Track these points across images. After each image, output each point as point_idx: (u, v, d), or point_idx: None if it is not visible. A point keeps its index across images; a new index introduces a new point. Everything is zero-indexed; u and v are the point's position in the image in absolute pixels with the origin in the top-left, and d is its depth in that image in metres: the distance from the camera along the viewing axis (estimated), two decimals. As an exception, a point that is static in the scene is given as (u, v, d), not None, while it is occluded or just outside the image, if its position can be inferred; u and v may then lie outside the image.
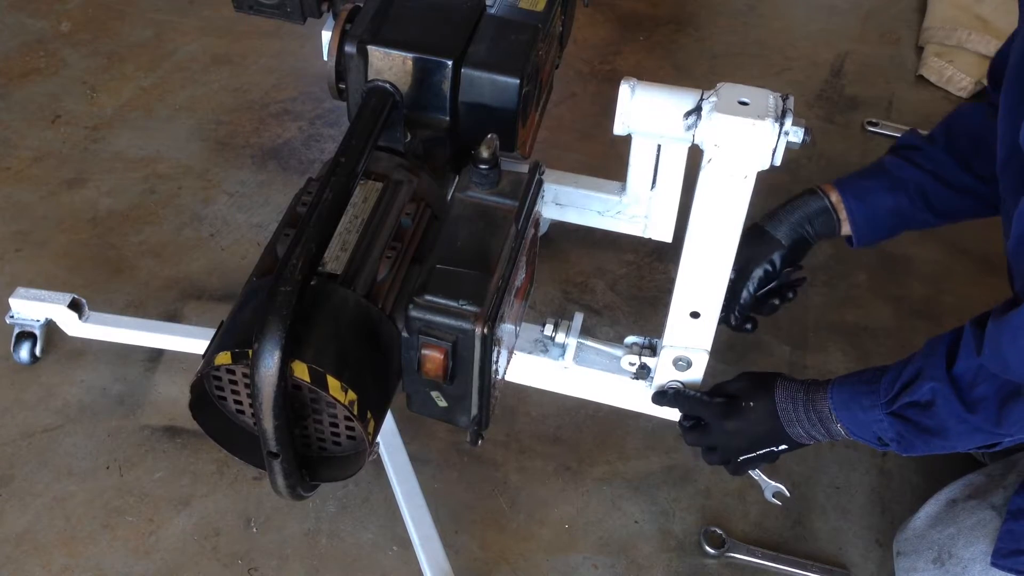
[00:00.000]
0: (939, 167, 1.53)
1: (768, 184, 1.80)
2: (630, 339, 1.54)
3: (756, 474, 1.51)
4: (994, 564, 1.38)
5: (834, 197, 1.55)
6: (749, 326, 1.59)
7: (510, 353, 1.33)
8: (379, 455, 1.64)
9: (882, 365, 1.32)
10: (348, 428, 1.14)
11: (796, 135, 1.19)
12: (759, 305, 1.58)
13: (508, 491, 1.69)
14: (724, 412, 1.42)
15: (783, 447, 1.41)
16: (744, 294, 1.54)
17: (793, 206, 1.56)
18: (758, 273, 1.54)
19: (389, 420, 1.66)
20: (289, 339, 1.00)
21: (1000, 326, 1.13)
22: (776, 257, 1.54)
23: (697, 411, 1.46)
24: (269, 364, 0.99)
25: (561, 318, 1.53)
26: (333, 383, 1.05)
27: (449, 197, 1.29)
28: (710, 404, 1.44)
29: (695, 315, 1.40)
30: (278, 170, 2.26)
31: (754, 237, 1.55)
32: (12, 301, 1.78)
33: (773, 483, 1.52)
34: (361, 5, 1.37)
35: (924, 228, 1.61)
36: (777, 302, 1.58)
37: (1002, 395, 1.17)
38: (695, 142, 1.25)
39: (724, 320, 1.57)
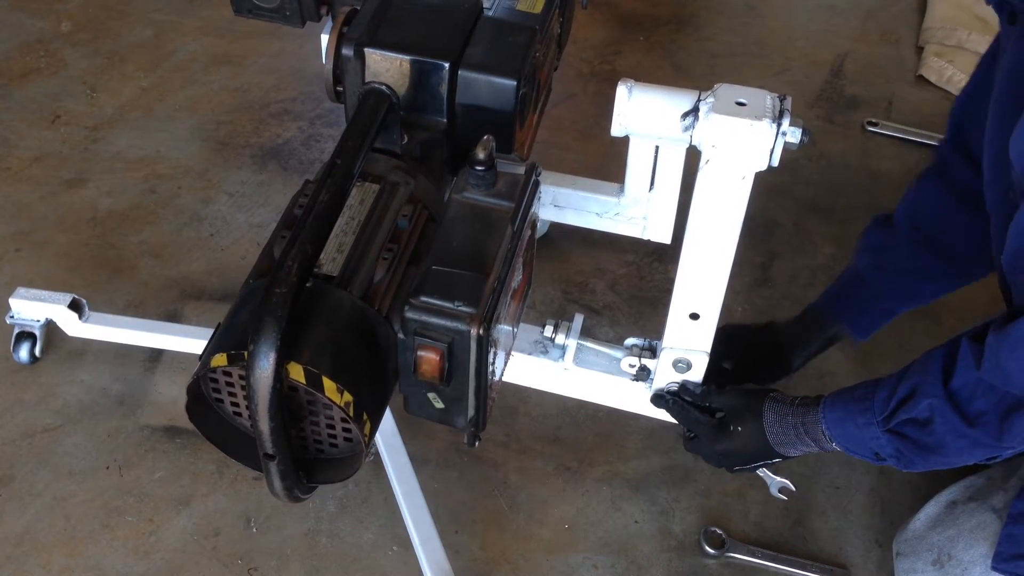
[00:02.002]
0: (914, 263, 1.55)
1: (768, 185, 1.80)
2: (630, 341, 1.54)
3: (761, 471, 1.51)
4: (994, 568, 1.37)
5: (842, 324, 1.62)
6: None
7: (508, 354, 1.32)
8: (379, 455, 1.64)
9: (873, 379, 1.31)
10: (344, 430, 1.14)
11: (794, 135, 1.18)
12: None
13: (508, 491, 1.69)
14: (714, 435, 1.43)
15: (776, 460, 1.42)
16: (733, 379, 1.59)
17: (810, 338, 1.63)
18: (758, 375, 1.61)
19: (388, 420, 1.66)
20: (284, 340, 0.99)
21: (1000, 339, 1.12)
22: (781, 378, 1.64)
23: (690, 426, 1.47)
24: (264, 365, 0.99)
25: (561, 319, 1.53)
26: (329, 384, 1.05)
27: (446, 199, 1.29)
28: (701, 423, 1.45)
29: (694, 316, 1.39)
30: (278, 170, 2.26)
31: (773, 351, 1.63)
32: (12, 301, 1.78)
33: (778, 479, 1.52)
34: (359, 8, 1.37)
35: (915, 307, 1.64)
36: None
37: (1002, 409, 1.16)
38: (693, 143, 1.25)
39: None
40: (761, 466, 1.45)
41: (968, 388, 1.17)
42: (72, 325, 1.78)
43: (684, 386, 1.47)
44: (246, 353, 1.00)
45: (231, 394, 1.14)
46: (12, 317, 1.80)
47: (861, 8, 2.87)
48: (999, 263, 1.23)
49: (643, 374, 1.51)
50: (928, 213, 1.53)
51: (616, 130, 1.31)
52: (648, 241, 1.88)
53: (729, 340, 1.58)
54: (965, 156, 1.47)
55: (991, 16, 1.50)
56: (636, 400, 1.54)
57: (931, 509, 1.51)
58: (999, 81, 1.28)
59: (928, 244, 1.53)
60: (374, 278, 1.16)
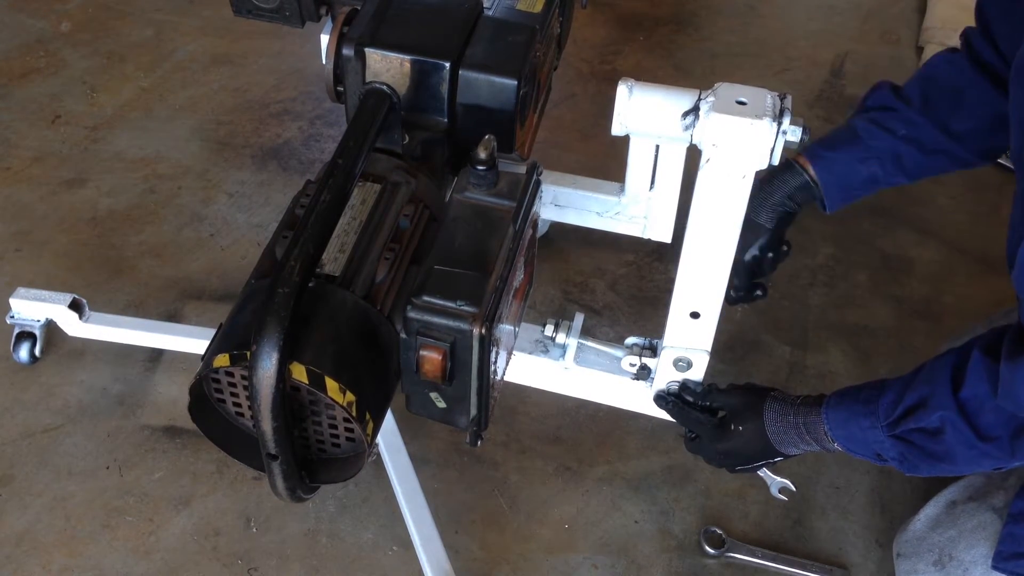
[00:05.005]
0: (914, 131, 1.48)
1: (767, 184, 1.79)
2: (630, 340, 1.54)
3: (761, 471, 1.51)
4: (995, 567, 1.37)
5: (812, 171, 1.51)
6: (759, 292, 1.57)
7: (509, 353, 1.32)
8: (379, 455, 1.64)
9: (877, 381, 1.30)
10: (347, 429, 1.14)
11: (794, 134, 1.19)
12: (753, 281, 1.56)
13: (508, 491, 1.69)
14: (715, 435, 1.43)
15: (778, 459, 1.41)
16: (736, 281, 1.53)
17: (773, 186, 1.52)
18: (747, 259, 1.52)
19: (389, 420, 1.66)
20: (287, 340, 0.99)
21: (1013, 369, 1.10)
22: (763, 242, 1.52)
23: (691, 426, 1.47)
24: (267, 365, 0.99)
25: (561, 319, 1.53)
26: (331, 384, 1.05)
27: (447, 198, 1.29)
28: (702, 423, 1.45)
29: (695, 315, 1.40)
30: (278, 170, 2.26)
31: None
32: (12, 301, 1.78)
33: (779, 479, 1.52)
34: (359, 8, 1.37)
35: (894, 186, 1.55)
36: (741, 293, 1.57)
37: (1013, 427, 1.15)
38: (693, 142, 1.25)
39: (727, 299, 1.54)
40: (762, 466, 1.45)
41: (978, 399, 1.16)
42: (72, 325, 1.78)
43: (685, 385, 1.47)
44: (248, 353, 1.00)
45: (233, 394, 1.14)
46: (12, 317, 1.80)
47: (861, 8, 2.88)
48: (1009, 243, 1.22)
49: (644, 373, 1.51)
50: (943, 84, 1.48)
51: (616, 129, 1.31)
52: (648, 241, 1.88)
53: None
54: (992, 45, 1.43)
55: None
56: (637, 399, 1.54)
57: (931, 509, 1.51)
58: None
59: (934, 115, 1.47)
60: (376, 278, 1.16)
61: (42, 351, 1.83)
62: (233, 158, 2.29)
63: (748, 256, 1.52)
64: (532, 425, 1.79)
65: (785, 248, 1.57)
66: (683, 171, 1.70)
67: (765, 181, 1.52)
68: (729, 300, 1.52)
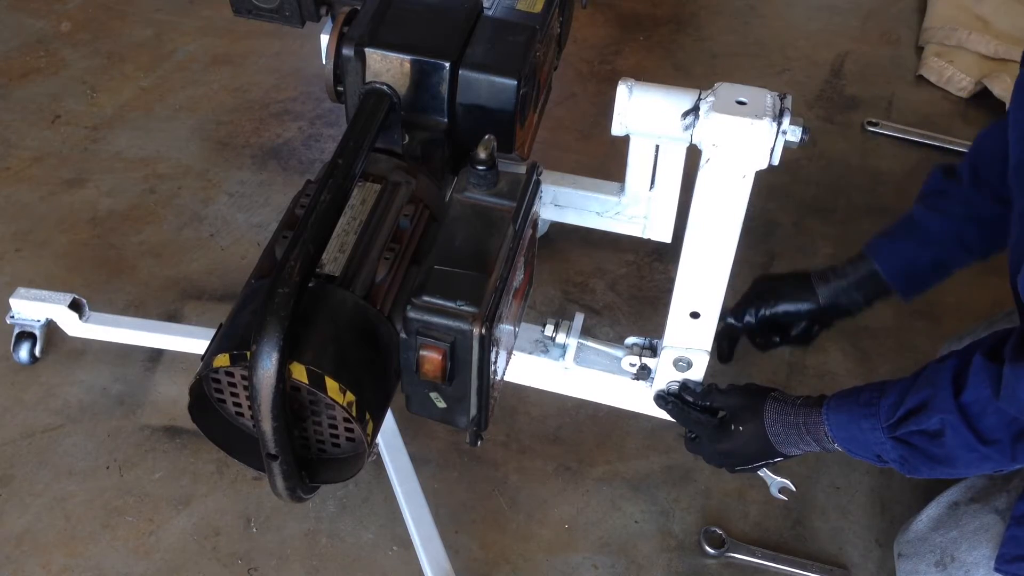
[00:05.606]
0: (971, 209, 1.48)
1: (768, 184, 1.81)
2: (630, 340, 1.54)
3: (761, 471, 1.51)
4: (997, 569, 1.36)
5: (876, 265, 1.53)
6: (778, 339, 1.61)
7: (509, 354, 1.33)
8: (379, 455, 1.64)
9: (878, 383, 1.30)
10: (347, 429, 1.14)
11: (794, 134, 1.19)
12: (766, 330, 1.60)
13: (508, 491, 1.69)
14: (715, 436, 1.43)
15: (778, 459, 1.41)
16: (765, 310, 1.57)
17: (845, 271, 1.55)
18: (785, 308, 1.56)
19: (389, 420, 1.66)
20: (287, 340, 1.00)
21: (1017, 372, 1.10)
22: (804, 308, 1.55)
23: (691, 427, 1.47)
24: (267, 365, 0.99)
25: (561, 318, 1.53)
26: (331, 384, 1.05)
27: (447, 198, 1.29)
28: (702, 423, 1.45)
29: (695, 315, 1.40)
30: (278, 170, 2.26)
31: (799, 282, 1.57)
32: (12, 301, 1.78)
33: (779, 479, 1.52)
34: (359, 8, 1.37)
35: (968, 266, 1.55)
36: (777, 339, 1.61)
37: (1015, 430, 1.15)
38: (693, 142, 1.25)
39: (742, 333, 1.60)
40: (762, 466, 1.45)
41: (980, 403, 1.16)
42: (72, 325, 1.78)
43: (685, 385, 1.47)
44: (249, 353, 1.00)
45: (233, 394, 1.14)
46: (12, 317, 1.79)
47: (861, 8, 2.88)
48: (1010, 259, 1.22)
49: (644, 373, 1.51)
50: (989, 154, 1.46)
51: (616, 129, 1.31)
52: (648, 241, 1.88)
53: (760, 295, 1.58)
54: None
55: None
56: (637, 399, 1.54)
57: (933, 510, 1.50)
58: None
59: (987, 187, 1.46)
60: (376, 278, 1.16)
61: (42, 351, 1.83)
62: (233, 158, 2.29)
63: (786, 307, 1.56)
64: (532, 425, 1.79)
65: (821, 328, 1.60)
66: (683, 171, 1.70)
67: (845, 264, 1.55)
68: (758, 348, 1.60)
